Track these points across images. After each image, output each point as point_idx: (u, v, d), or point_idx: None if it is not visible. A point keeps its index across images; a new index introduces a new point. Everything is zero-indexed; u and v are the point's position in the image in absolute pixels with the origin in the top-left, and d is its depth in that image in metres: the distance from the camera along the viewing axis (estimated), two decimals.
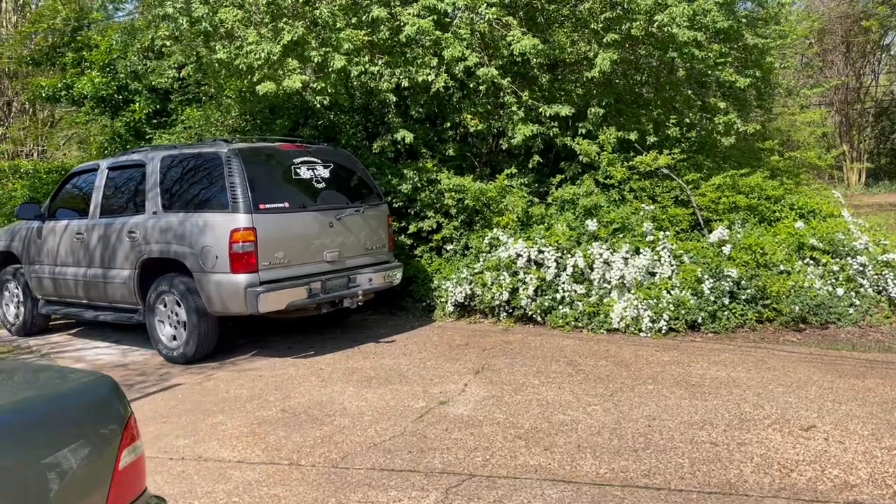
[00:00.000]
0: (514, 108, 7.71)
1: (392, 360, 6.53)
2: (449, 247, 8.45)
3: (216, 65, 7.70)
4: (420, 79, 7.52)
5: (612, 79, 8.31)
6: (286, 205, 6.61)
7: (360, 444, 4.52)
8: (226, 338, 7.67)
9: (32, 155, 16.31)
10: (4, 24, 13.70)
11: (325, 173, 7.12)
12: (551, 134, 8.01)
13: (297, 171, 6.89)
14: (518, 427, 4.69)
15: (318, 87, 7.28)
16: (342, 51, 7.18)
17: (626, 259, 7.20)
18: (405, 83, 7.53)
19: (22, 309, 8.53)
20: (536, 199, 8.15)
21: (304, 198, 6.85)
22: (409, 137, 7.90)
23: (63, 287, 7.84)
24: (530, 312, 7.57)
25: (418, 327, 7.89)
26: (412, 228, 8.50)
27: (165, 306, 6.83)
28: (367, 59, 7.62)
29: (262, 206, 6.40)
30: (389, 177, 8.39)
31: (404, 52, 7.62)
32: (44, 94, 10.87)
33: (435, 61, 7.52)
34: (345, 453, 4.39)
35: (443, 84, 7.49)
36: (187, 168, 6.94)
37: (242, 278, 6.29)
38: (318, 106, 7.62)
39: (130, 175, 7.39)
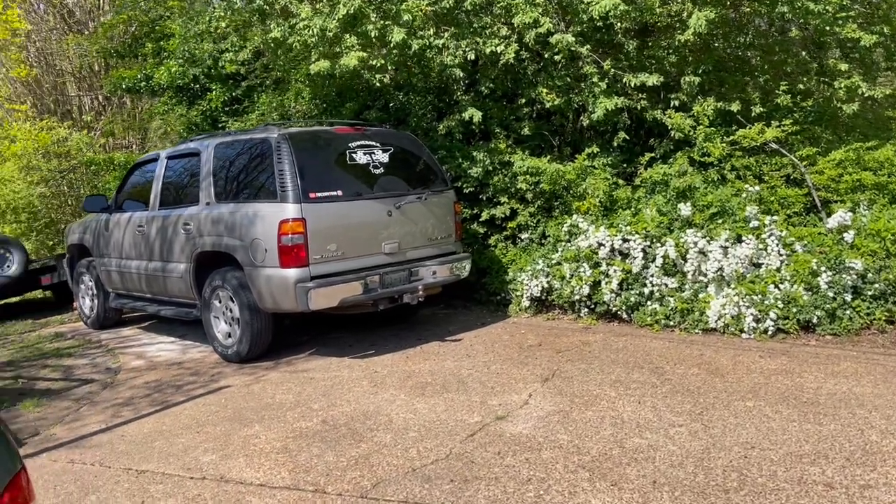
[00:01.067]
0: (596, 80, 6.85)
1: (454, 362, 5.91)
2: (524, 235, 7.72)
3: (272, 45, 7.27)
4: (488, 50, 6.80)
5: (711, 42, 7.28)
6: (339, 193, 6.09)
7: (398, 469, 3.92)
8: (286, 334, 7.31)
9: (131, 147, 16.70)
10: (99, 18, 13.95)
11: (385, 158, 6.55)
12: (639, 107, 7.10)
13: (353, 156, 6.35)
14: (583, 453, 3.96)
15: (378, 65, 6.70)
16: (402, 23, 6.56)
17: (725, 248, 6.24)
18: (471, 56, 6.83)
19: (96, 302, 8.50)
20: (622, 182, 7.27)
21: (359, 185, 6.31)
22: (478, 116, 7.20)
23: (128, 280, 7.69)
24: (614, 308, 6.75)
25: (490, 324, 7.23)
26: (484, 216, 7.82)
27: (220, 302, 6.49)
28: (431, 31, 6.97)
29: (312, 195, 5.91)
30: (460, 160, 7.73)
31: (471, 21, 6.91)
32: (124, 86, 10.89)
33: (505, 30, 6.78)
34: (378, 479, 3.81)
35: (513, 55, 6.74)
36: (239, 155, 6.55)
37: (292, 273, 5.83)
38: (378, 85, 7.04)
39: (187, 164, 7.10)
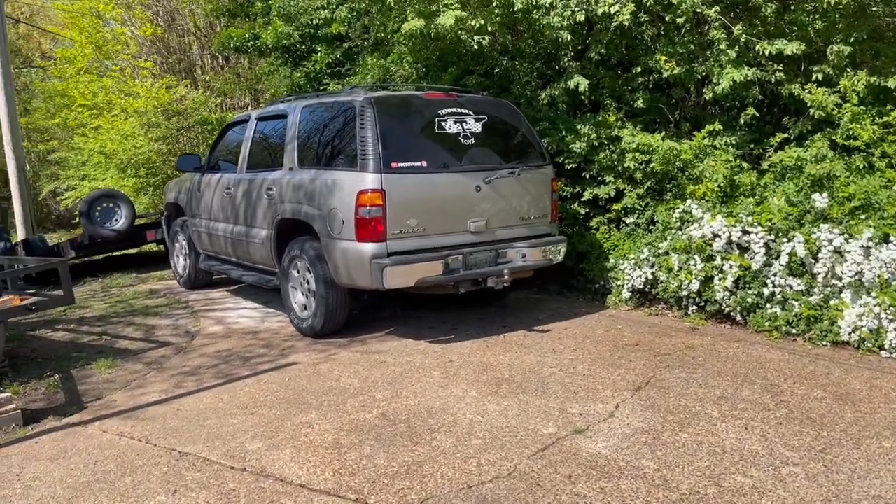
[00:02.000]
0: (724, 47, 5.97)
1: (538, 357, 5.34)
2: (630, 219, 6.97)
3: (367, 1, 6.82)
4: (600, 11, 6.06)
5: (868, 5, 6.18)
6: (424, 164, 5.60)
7: (451, 483, 3.44)
8: (366, 310, 6.98)
9: (246, 108, 16.94)
10: None
11: (477, 127, 5.99)
12: (773, 80, 6.15)
13: (443, 124, 5.84)
14: (671, 487, 3.33)
15: (477, 26, 6.11)
16: None
17: (867, 249, 5.29)
18: (581, 17, 6.10)
19: (188, 262, 8.50)
20: (746, 165, 6.37)
21: (447, 156, 5.79)
22: (583, 85, 6.48)
23: (216, 243, 7.58)
24: (727, 309, 5.94)
25: (584, 315, 6.58)
26: (587, 195, 7.13)
27: (298, 272, 6.21)
28: None
29: (394, 165, 5.46)
30: (563, 132, 7.05)
31: None
32: (232, 45, 10.84)
33: None
34: (427, 494, 3.35)
35: (629, 16, 5.97)
36: (324, 119, 6.18)
37: (368, 248, 5.43)
38: (477, 47, 6.44)
39: (275, 127, 6.82)
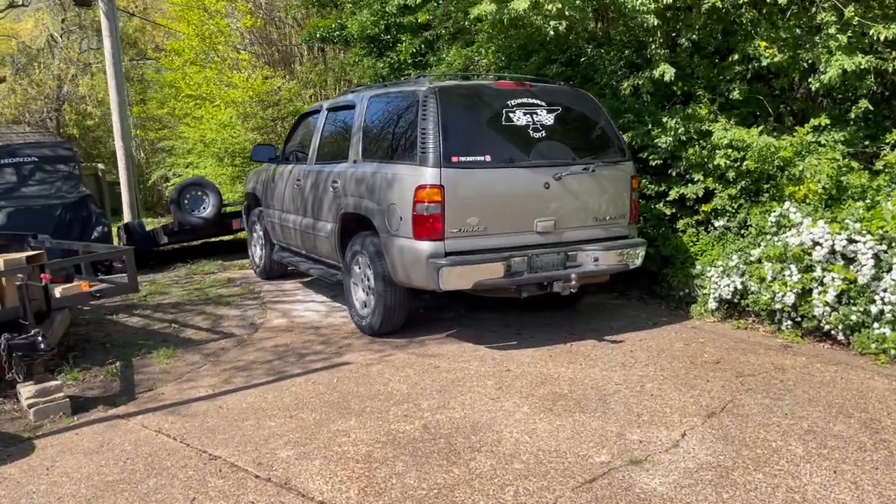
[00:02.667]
0: (833, 31, 5.27)
1: (603, 371, 4.90)
2: (720, 222, 6.35)
3: None
4: None
5: None
6: (487, 158, 5.25)
7: None
8: (431, 309, 6.71)
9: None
10: None
11: (549, 119, 5.58)
12: (891, 69, 5.39)
13: (511, 115, 5.46)
14: None
15: (553, 10, 5.68)
16: None
17: None
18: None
19: (263, 252, 8.52)
20: (856, 164, 5.63)
21: (513, 150, 5.41)
22: (669, 73, 5.91)
23: (288, 234, 7.52)
24: (827, 326, 5.28)
25: (664, 325, 6.05)
26: (673, 194, 6.55)
27: (359, 268, 6.01)
28: None
29: (454, 159, 5.14)
30: (649, 125, 6.50)
31: None
32: (318, 35, 10.81)
33: None
34: None
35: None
36: (389, 110, 5.94)
37: (425, 246, 5.15)
38: (553, 33, 5.99)
39: (344, 118, 6.65)
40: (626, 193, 5.84)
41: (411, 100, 5.54)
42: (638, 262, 5.83)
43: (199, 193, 10.71)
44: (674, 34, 6.71)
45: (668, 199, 6.65)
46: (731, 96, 6.34)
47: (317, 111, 7.25)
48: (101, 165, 15.23)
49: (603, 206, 5.71)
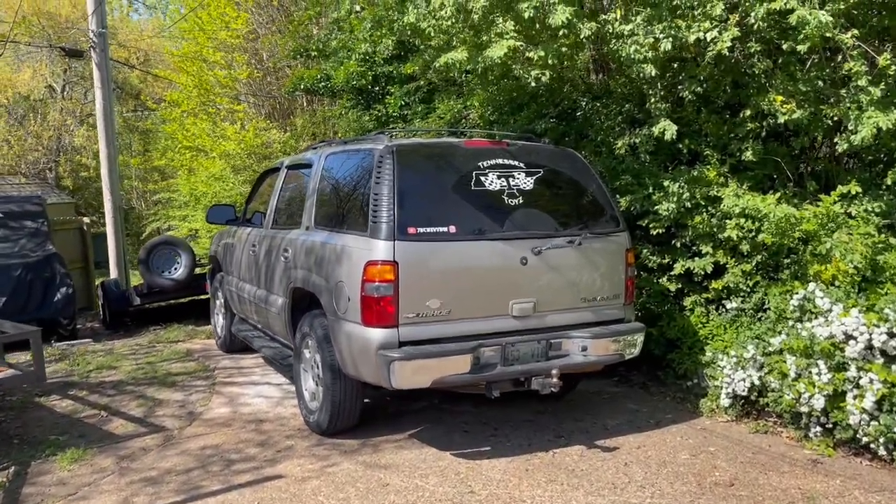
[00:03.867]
0: (863, 83, 4.45)
1: (587, 497, 3.95)
2: (732, 304, 5.44)
3: (409, 34, 5.78)
4: (692, 37, 4.70)
5: None
6: (452, 229, 4.41)
7: None
8: (400, 398, 5.80)
9: None
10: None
11: (528, 183, 4.75)
12: None
13: (483, 179, 4.64)
14: None
15: (535, 58, 4.91)
16: None
17: None
18: (667, 46, 4.76)
19: (224, 322, 7.69)
20: (895, 241, 4.73)
21: (484, 219, 4.57)
22: (671, 131, 5.08)
23: (244, 305, 6.69)
24: (865, 438, 4.32)
25: (667, 424, 5.10)
26: (678, 268, 5.66)
27: (309, 353, 5.14)
28: (616, 13, 5.04)
29: (412, 231, 4.30)
30: (649, 189, 5.67)
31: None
32: (303, 86, 10.18)
33: (720, 7, 4.64)
34: None
35: (728, 44, 4.58)
36: (344, 171, 5.15)
37: (375, 334, 4.28)
38: (534, 84, 5.21)
39: (300, 178, 5.87)
40: (621, 269, 4.96)
41: (366, 160, 4.75)
42: (635, 350, 4.91)
43: (171, 253, 9.98)
44: (678, 86, 5.92)
45: (672, 272, 5.77)
46: (743, 157, 5.50)
47: (277, 169, 6.49)
48: (86, 219, 14.57)
49: (593, 285, 4.83)
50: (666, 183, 5.35)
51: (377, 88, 9.81)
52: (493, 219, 4.57)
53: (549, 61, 4.90)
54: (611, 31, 5.04)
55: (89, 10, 14.20)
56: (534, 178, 4.80)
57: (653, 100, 5.46)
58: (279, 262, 5.60)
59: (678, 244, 5.70)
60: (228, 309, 7.47)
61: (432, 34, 5.19)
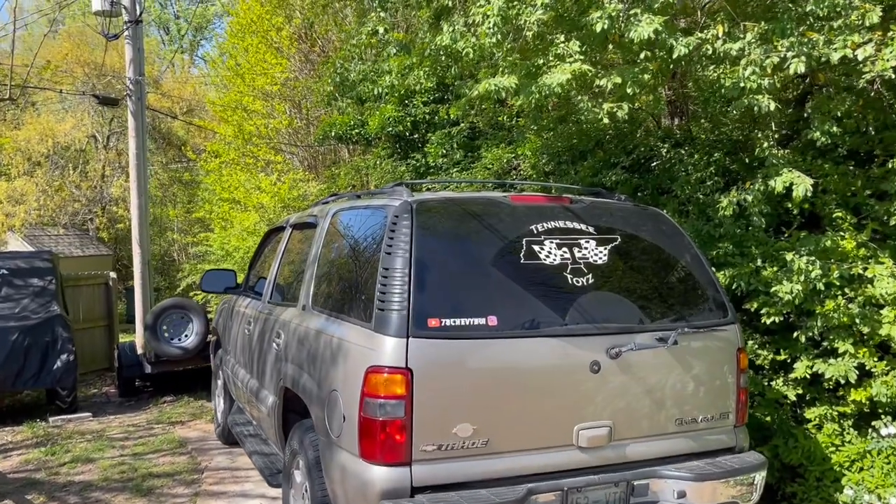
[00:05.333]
0: None
1: None
2: (889, 429, 3.92)
3: (443, 60, 4.56)
4: (837, 54, 3.36)
5: None
6: (492, 321, 3.07)
7: None
8: None
9: None
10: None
11: (600, 254, 3.41)
12: None
13: (537, 248, 3.32)
14: None
15: (609, 87, 3.63)
16: (656, 7, 3.46)
17: None
18: (800, 68, 3.42)
19: (224, 407, 6.45)
20: None
21: (538, 306, 3.21)
22: (804, 186, 3.68)
23: (239, 394, 5.44)
24: None
25: None
26: (800, 369, 4.19)
27: (300, 475, 3.82)
28: (718, 29, 3.74)
29: (433, 323, 2.99)
30: (759, 262, 4.25)
31: (798, 6, 3.55)
32: (333, 133, 9.11)
33: (877, 14, 3.30)
34: None
35: (892, 64, 3.22)
36: (353, 234, 3.90)
37: (376, 475, 2.94)
38: (606, 121, 3.88)
39: (303, 241, 4.65)
40: (731, 377, 3.53)
41: (377, 220, 3.49)
42: (754, 496, 3.43)
43: (182, 318, 8.88)
44: (794, 124, 4.55)
45: (791, 374, 4.29)
46: (892, 221, 4.06)
47: (281, 229, 5.30)
48: (112, 274, 13.71)
49: (692, 401, 3.41)
50: (789, 255, 3.92)
51: (416, 136, 8.66)
52: (551, 306, 3.22)
53: (628, 90, 3.61)
54: (710, 52, 3.72)
55: (127, 59, 13.64)
56: (608, 247, 3.46)
57: (765, 143, 4.08)
58: (271, 349, 4.34)
59: (801, 337, 4.22)
60: (228, 393, 6.23)
61: (472, 56, 3.96)
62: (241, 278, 6.10)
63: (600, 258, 3.40)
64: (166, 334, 8.74)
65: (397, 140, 8.82)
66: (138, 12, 13.52)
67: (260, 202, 13.99)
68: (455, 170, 7.54)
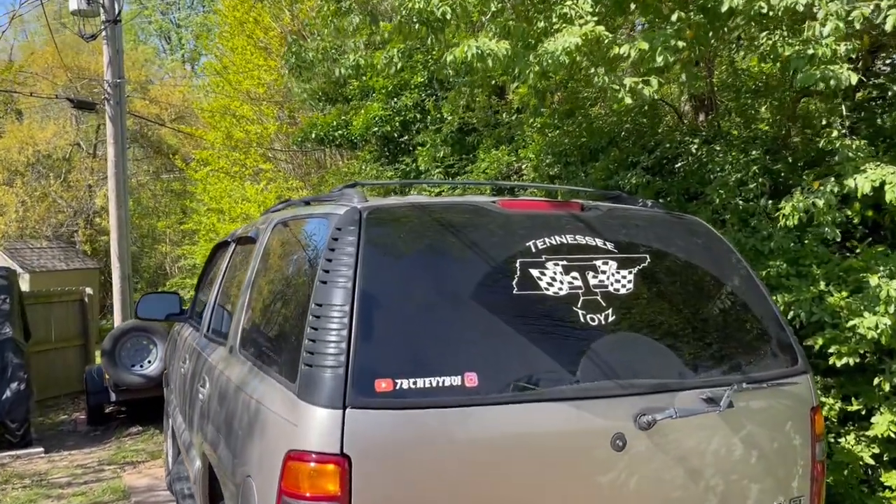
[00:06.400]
0: None
1: None
2: None
3: (416, 26, 3.58)
4: None
5: None
6: (470, 381, 2.11)
7: None
8: None
9: None
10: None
11: (623, 280, 2.46)
12: None
13: (534, 272, 2.36)
14: None
15: (633, 55, 2.69)
16: None
17: None
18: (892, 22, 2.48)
19: (172, 452, 5.50)
20: None
21: (537, 356, 2.25)
22: None
23: (178, 441, 4.49)
24: None
25: None
26: (880, 426, 3.21)
27: None
28: None
29: (382, 386, 2.03)
30: (824, 286, 3.29)
31: None
32: (314, 135, 8.19)
33: None
34: None
35: None
36: (290, 252, 2.95)
37: None
38: (629, 101, 2.89)
39: (244, 260, 3.70)
40: (804, 446, 2.57)
41: (319, 235, 2.54)
42: None
43: (145, 342, 7.96)
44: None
45: (868, 431, 3.31)
46: None
47: (227, 243, 4.35)
48: (88, 289, 12.83)
49: (752, 485, 2.44)
50: (874, 280, 2.95)
51: (406, 137, 7.74)
52: (555, 356, 2.26)
53: (658, 58, 2.67)
54: (765, 8, 2.78)
55: (105, 60, 12.80)
56: (634, 271, 2.51)
57: (834, 133, 3.13)
58: (197, 399, 3.40)
59: (885, 384, 3.24)
60: (174, 437, 5.28)
61: (451, 19, 3.03)
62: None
63: (624, 286, 2.45)
64: (125, 360, 7.82)
65: (385, 142, 7.90)
66: (116, 11, 12.71)
67: (245, 212, 13.14)
68: (435, 173, 6.60)
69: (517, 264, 2.36)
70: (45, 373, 10.83)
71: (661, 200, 4.45)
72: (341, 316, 2.10)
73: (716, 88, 5.12)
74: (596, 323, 2.33)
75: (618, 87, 2.82)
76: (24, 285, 17.27)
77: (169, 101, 19.25)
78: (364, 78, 7.10)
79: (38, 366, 10.60)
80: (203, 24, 32.56)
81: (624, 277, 2.47)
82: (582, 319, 2.32)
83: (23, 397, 7.71)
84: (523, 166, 6.25)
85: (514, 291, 2.31)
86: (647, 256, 2.57)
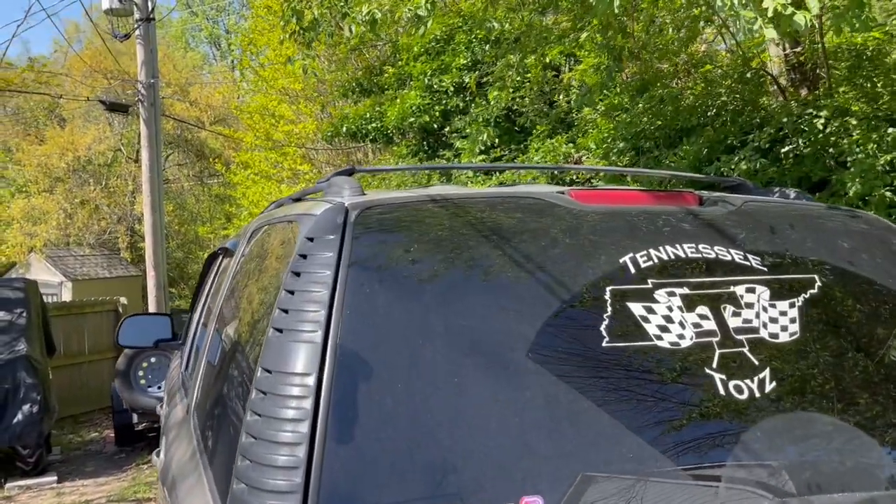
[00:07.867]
0: None
1: None
2: None
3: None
4: None
5: None
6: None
7: None
8: None
9: None
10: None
11: (785, 319, 1.47)
12: None
13: (635, 307, 1.40)
14: None
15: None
16: None
17: None
18: None
19: None
20: None
21: (652, 456, 1.30)
22: None
23: None
24: None
25: None
26: None
27: None
28: None
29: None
30: None
31: None
32: (345, 129, 7.34)
33: None
34: None
35: None
36: (255, 275, 2.03)
37: None
38: (772, 34, 1.93)
39: (219, 284, 2.81)
40: None
41: (285, 252, 1.62)
42: None
43: (163, 361, 7.26)
44: None
45: None
46: None
47: (217, 255, 3.48)
48: (123, 299, 12.36)
49: None
50: None
51: (447, 128, 6.81)
52: (679, 459, 1.29)
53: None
54: None
55: (138, 60, 12.34)
56: (798, 302, 1.51)
57: None
58: (182, 431, 2.53)
59: None
60: None
61: None
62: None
63: (786, 328, 1.46)
64: (143, 381, 7.12)
65: (424, 135, 6.98)
66: (150, 9, 12.20)
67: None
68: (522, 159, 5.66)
69: (606, 296, 1.40)
70: (77, 387, 10.41)
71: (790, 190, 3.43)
72: (301, 394, 1.17)
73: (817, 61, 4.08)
74: (746, 395, 1.35)
75: (753, 16, 1.81)
76: (67, 294, 17.01)
77: (209, 104, 18.81)
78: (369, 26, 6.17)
79: (70, 380, 10.15)
80: (249, 29, 32.42)
81: (784, 314, 1.48)
82: (722, 390, 1.34)
83: (35, 421, 7.09)
84: (583, 157, 5.26)
85: (604, 343, 1.35)
86: (816, 277, 1.58)
